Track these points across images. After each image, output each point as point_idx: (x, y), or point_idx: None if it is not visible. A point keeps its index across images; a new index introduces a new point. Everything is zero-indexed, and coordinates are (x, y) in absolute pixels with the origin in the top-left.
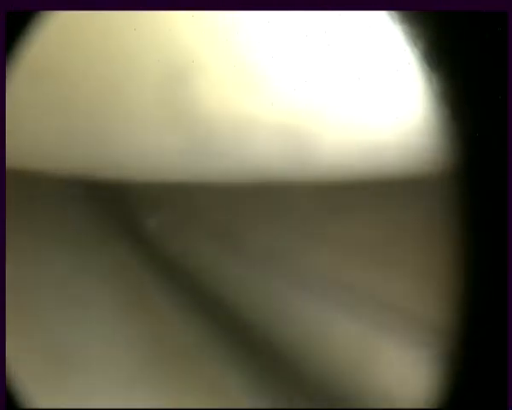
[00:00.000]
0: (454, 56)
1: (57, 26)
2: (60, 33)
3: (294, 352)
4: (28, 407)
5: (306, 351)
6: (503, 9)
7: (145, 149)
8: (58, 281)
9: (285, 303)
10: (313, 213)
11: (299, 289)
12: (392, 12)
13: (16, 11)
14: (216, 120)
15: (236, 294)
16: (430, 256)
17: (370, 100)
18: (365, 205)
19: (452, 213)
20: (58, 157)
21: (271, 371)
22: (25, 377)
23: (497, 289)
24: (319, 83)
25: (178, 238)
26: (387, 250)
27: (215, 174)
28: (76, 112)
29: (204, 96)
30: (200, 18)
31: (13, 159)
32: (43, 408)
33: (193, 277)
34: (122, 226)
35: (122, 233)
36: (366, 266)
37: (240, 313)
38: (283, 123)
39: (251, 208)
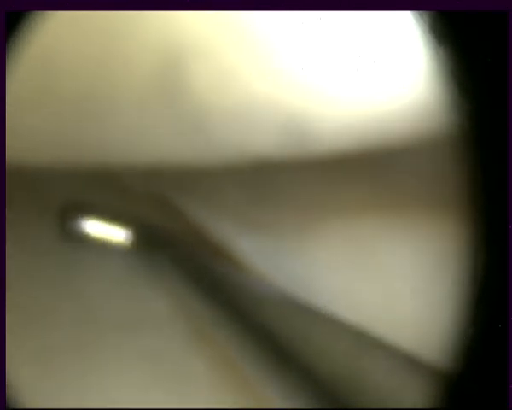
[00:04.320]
0: (459, 33)
1: (56, 18)
2: (58, 23)
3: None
4: (27, 407)
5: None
6: (503, 9)
7: (145, 133)
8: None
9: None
10: (314, 188)
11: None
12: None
13: (16, 11)
14: (215, 102)
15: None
16: (437, 219)
17: (372, 75)
18: (368, 175)
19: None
20: (57, 146)
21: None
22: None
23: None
24: (320, 62)
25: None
26: (392, 216)
27: (215, 154)
28: (74, 102)
29: (203, 78)
30: None
31: (13, 155)
32: (43, 408)
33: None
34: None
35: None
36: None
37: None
38: (283, 103)
39: (253, 188)
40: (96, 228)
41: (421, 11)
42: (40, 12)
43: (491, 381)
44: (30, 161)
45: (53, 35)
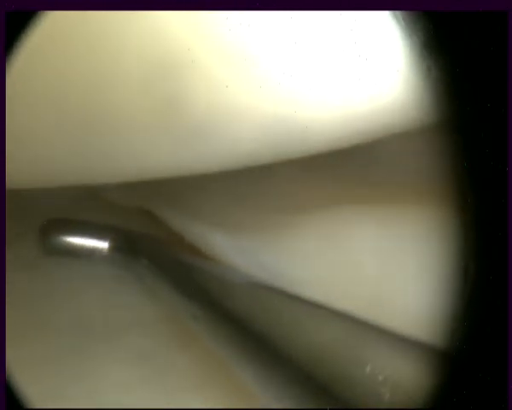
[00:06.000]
0: (452, 44)
1: (51, 25)
2: (54, 32)
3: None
4: (28, 407)
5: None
6: (503, 9)
7: (137, 144)
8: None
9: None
10: (290, 185)
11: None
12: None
13: (16, 11)
14: (206, 113)
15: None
16: (427, 211)
17: (354, 74)
18: (343, 171)
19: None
20: (39, 163)
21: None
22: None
23: (497, 263)
24: (308, 69)
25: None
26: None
27: (205, 165)
28: (70, 109)
29: (194, 88)
30: (190, 13)
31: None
32: (43, 408)
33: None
34: None
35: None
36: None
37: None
38: (272, 112)
39: (242, 195)
40: (78, 241)
41: (415, 11)
42: (40, 12)
43: (489, 367)
44: (11, 179)
45: (46, 39)
